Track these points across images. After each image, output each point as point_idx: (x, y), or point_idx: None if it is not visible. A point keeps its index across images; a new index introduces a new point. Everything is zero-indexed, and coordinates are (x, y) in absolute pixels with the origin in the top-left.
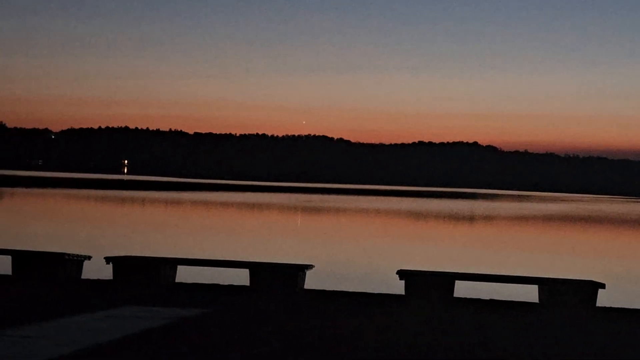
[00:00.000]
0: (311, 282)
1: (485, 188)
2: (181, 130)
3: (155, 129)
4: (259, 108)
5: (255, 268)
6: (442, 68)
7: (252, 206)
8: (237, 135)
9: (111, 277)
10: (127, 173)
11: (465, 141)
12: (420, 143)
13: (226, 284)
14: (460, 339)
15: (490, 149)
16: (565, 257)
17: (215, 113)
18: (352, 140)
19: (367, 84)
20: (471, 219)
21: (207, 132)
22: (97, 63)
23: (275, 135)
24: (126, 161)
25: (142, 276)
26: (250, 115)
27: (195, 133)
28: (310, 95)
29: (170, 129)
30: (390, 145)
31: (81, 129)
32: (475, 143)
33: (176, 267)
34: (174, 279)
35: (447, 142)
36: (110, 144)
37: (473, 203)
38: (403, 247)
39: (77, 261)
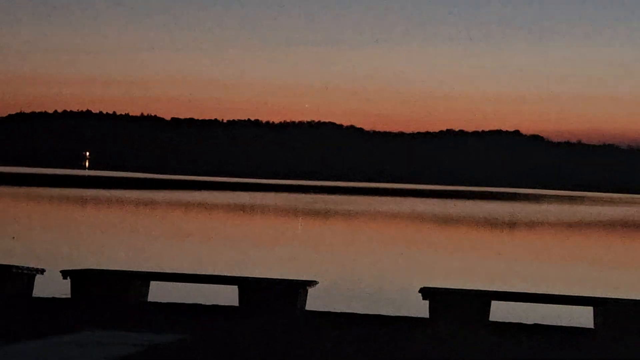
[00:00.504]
0: (314, 301)
1: (529, 187)
2: (155, 116)
3: (123, 113)
4: (250, 88)
5: (245, 284)
6: (476, 40)
7: (243, 208)
8: (224, 121)
9: (69, 295)
10: (89, 167)
11: (504, 129)
12: (449, 132)
13: (209, 303)
14: None
15: (535, 140)
16: (626, 272)
17: (197, 94)
18: (366, 127)
19: (383, 59)
20: (511, 225)
21: (187, 117)
22: (53, 34)
23: (270, 121)
24: (88, 153)
25: (107, 294)
26: (240, 97)
27: (173, 119)
28: (313, 72)
29: (142, 113)
30: (412, 134)
31: (33, 113)
32: (517, 132)
33: (149, 283)
34: (146, 297)
35: (482, 131)
36: (69, 132)
37: (513, 205)
38: (427, 259)
39: (28, 275)
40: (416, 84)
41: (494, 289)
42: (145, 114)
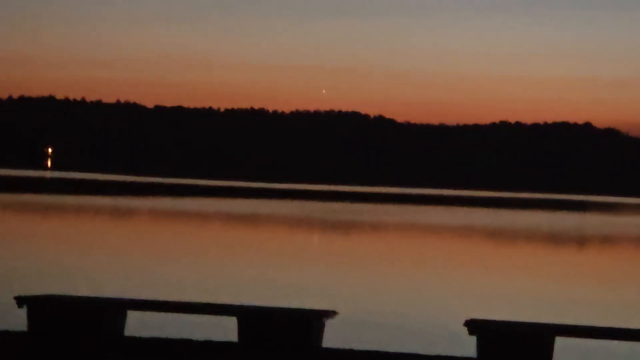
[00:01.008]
0: (333, 336)
1: (602, 193)
2: (135, 103)
3: (94, 99)
4: (255, 69)
5: (246, 315)
6: (537, 10)
7: (244, 219)
8: (222, 110)
9: (25, 328)
10: (52, 168)
11: (572, 122)
12: (503, 124)
13: (202, 339)
14: None
15: (611, 134)
16: None
17: (187, 76)
18: (398, 119)
19: (418, 34)
20: (580, 241)
21: (175, 105)
22: (6, 1)
23: (280, 111)
24: (50, 149)
25: (74, 326)
26: (242, 81)
27: (157, 107)
28: (333, 50)
29: (119, 100)
30: (456, 127)
31: None
32: (588, 125)
33: (125, 313)
34: (123, 330)
35: (544, 123)
36: (26, 123)
37: (582, 216)
38: (475, 284)
39: None
40: (461, 65)
41: (558, 322)
42: (122, 100)
